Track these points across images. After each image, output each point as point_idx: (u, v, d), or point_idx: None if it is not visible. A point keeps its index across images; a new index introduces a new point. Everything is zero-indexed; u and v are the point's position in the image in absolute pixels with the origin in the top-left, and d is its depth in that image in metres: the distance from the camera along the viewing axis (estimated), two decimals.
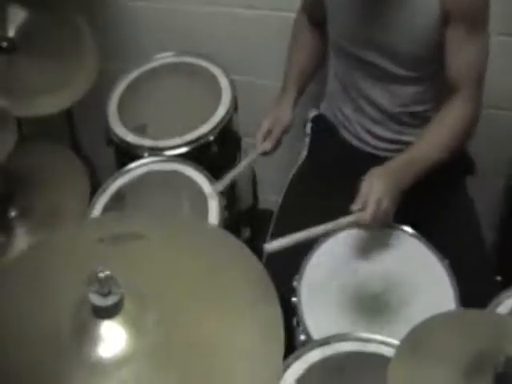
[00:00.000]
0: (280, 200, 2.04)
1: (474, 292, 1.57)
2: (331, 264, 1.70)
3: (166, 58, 2.28)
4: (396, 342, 1.35)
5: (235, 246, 1.20)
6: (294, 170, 2.10)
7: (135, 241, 1.19)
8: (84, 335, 1.03)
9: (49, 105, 1.94)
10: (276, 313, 1.08)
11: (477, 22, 1.73)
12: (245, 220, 2.25)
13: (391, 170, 1.71)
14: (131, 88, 2.21)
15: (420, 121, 1.92)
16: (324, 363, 1.45)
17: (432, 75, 1.85)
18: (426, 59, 1.82)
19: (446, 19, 1.72)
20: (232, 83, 2.14)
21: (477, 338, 1.11)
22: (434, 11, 1.71)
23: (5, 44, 1.96)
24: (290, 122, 1.99)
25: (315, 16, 2.00)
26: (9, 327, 1.09)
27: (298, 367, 1.44)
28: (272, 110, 2.00)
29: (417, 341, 1.12)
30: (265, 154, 1.97)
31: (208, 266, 1.16)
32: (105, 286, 1.03)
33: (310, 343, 1.50)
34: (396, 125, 1.95)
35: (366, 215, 1.63)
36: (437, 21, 1.72)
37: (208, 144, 2.03)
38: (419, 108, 1.91)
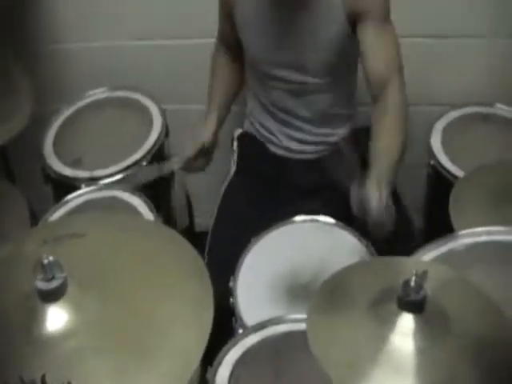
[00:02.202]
0: (213, 216, 2.13)
1: None
2: (264, 261, 1.82)
3: (97, 93, 2.40)
4: None
5: (168, 234, 1.32)
6: (224, 187, 2.20)
7: (76, 239, 1.30)
8: (33, 318, 1.13)
9: None
10: (206, 288, 1.19)
11: (385, 14, 1.84)
12: None
13: (375, 173, 1.68)
14: (66, 125, 2.33)
15: (342, 120, 2.07)
16: (260, 346, 1.56)
17: (344, 78, 2.00)
18: (338, 65, 1.94)
19: (353, 22, 1.84)
20: (162, 111, 2.28)
21: (381, 279, 1.26)
22: (339, 18, 1.84)
23: None
24: (207, 139, 2.06)
25: (231, 44, 2.11)
26: None
27: (236, 352, 1.54)
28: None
29: (329, 290, 1.26)
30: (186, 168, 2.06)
31: (144, 252, 1.27)
32: (49, 271, 1.13)
33: (247, 329, 1.61)
34: (319, 128, 2.07)
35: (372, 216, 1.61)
36: (344, 26, 1.85)
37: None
38: (338, 110, 2.05)
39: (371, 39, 1.83)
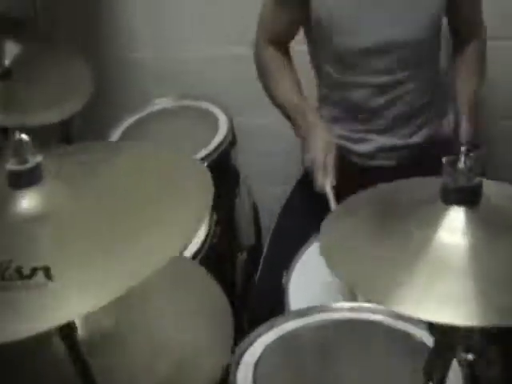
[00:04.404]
0: (275, 221, 1.99)
1: None
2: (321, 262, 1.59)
3: (165, 102, 2.28)
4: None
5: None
6: (287, 194, 2.06)
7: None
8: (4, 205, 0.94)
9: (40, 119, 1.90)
10: None
11: None
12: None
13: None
14: (131, 130, 2.19)
15: (422, 119, 1.96)
16: (299, 335, 1.30)
17: (430, 67, 1.93)
18: (426, 49, 1.88)
19: None
20: (229, 118, 2.11)
21: None
22: None
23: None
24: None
25: (286, 42, 1.97)
26: None
27: (269, 337, 1.30)
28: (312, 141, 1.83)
29: None
30: None
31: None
32: (20, 152, 0.94)
33: (287, 315, 1.37)
34: (404, 128, 1.94)
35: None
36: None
37: None
38: (423, 103, 1.94)
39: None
